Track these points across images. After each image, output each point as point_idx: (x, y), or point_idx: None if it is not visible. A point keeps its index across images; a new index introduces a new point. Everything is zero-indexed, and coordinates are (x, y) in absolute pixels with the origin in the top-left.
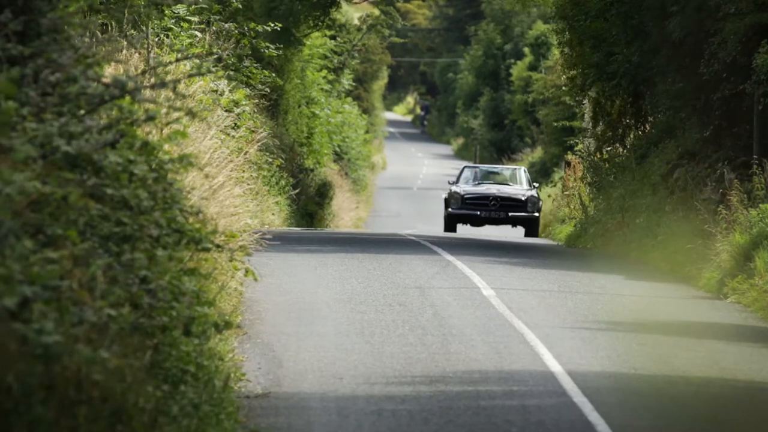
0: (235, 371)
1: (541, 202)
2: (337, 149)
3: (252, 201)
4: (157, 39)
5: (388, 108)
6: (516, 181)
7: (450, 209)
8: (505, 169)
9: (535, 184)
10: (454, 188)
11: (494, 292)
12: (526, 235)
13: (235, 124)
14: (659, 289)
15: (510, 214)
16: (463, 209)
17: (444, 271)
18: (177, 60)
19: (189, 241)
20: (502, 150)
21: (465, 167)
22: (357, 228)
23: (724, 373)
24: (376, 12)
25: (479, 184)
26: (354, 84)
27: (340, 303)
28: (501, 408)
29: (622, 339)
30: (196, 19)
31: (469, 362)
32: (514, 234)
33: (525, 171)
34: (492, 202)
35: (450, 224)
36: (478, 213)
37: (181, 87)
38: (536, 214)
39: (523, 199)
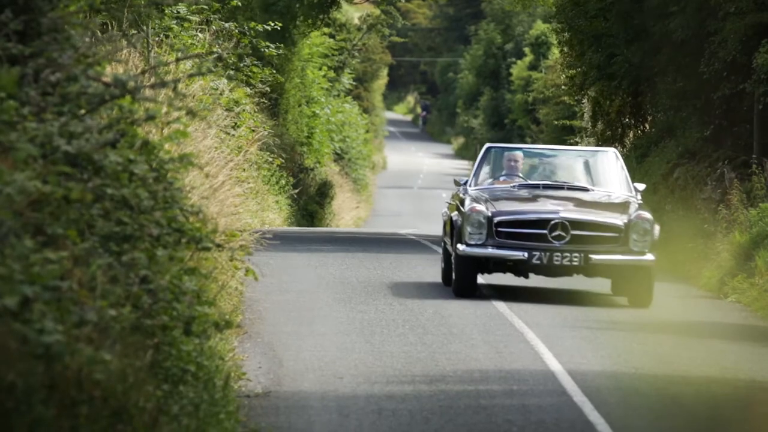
0: (236, 370)
1: (656, 226)
2: (338, 149)
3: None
4: (157, 38)
5: (389, 107)
6: (599, 180)
7: (462, 246)
8: (574, 153)
9: (637, 185)
10: (470, 202)
11: (494, 291)
12: (617, 291)
13: (236, 123)
14: (659, 289)
15: (593, 257)
16: (490, 246)
17: None
18: (177, 59)
19: (189, 240)
20: None
21: (489, 148)
22: (357, 227)
23: (724, 373)
24: (377, 11)
25: (521, 187)
26: (354, 83)
27: (341, 302)
28: (501, 407)
29: (622, 338)
30: (196, 18)
31: (469, 361)
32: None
33: (617, 155)
34: (555, 233)
35: (464, 276)
36: (525, 256)
37: (181, 86)
38: (649, 257)
39: (619, 224)
